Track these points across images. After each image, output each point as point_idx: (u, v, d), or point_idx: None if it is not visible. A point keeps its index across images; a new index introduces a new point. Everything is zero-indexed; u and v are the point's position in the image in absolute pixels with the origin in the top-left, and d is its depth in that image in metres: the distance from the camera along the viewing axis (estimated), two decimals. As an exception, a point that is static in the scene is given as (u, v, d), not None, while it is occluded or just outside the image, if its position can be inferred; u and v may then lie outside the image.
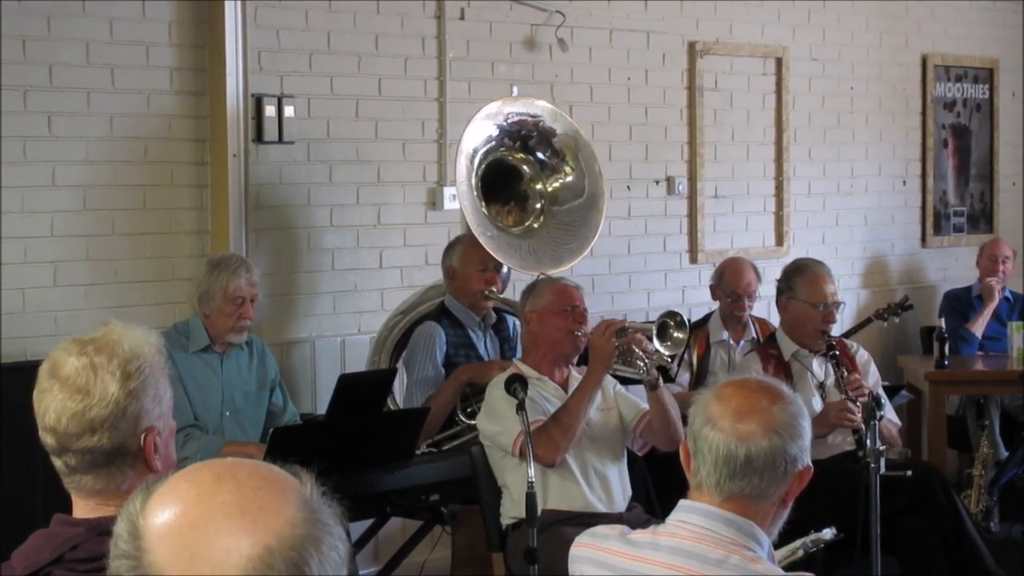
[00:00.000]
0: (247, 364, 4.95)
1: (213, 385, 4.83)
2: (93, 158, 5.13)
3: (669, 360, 4.39)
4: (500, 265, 5.22)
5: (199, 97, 5.37)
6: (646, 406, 4.47)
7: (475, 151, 5.18)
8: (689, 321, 6.04)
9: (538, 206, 5.47)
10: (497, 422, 4.39)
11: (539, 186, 5.47)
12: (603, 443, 4.49)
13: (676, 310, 4.52)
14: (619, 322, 4.37)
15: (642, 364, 4.32)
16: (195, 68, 5.35)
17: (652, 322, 4.43)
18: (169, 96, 5.30)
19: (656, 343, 4.32)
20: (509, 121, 5.33)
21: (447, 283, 5.31)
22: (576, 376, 4.58)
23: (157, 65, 5.26)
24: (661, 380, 4.39)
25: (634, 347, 4.32)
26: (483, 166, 5.23)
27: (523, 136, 5.40)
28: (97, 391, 2.10)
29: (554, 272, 5.10)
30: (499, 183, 5.36)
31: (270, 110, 5.44)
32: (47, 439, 2.13)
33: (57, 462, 2.14)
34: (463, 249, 5.24)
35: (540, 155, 5.45)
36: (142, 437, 2.13)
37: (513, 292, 5.68)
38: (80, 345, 2.14)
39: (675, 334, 4.38)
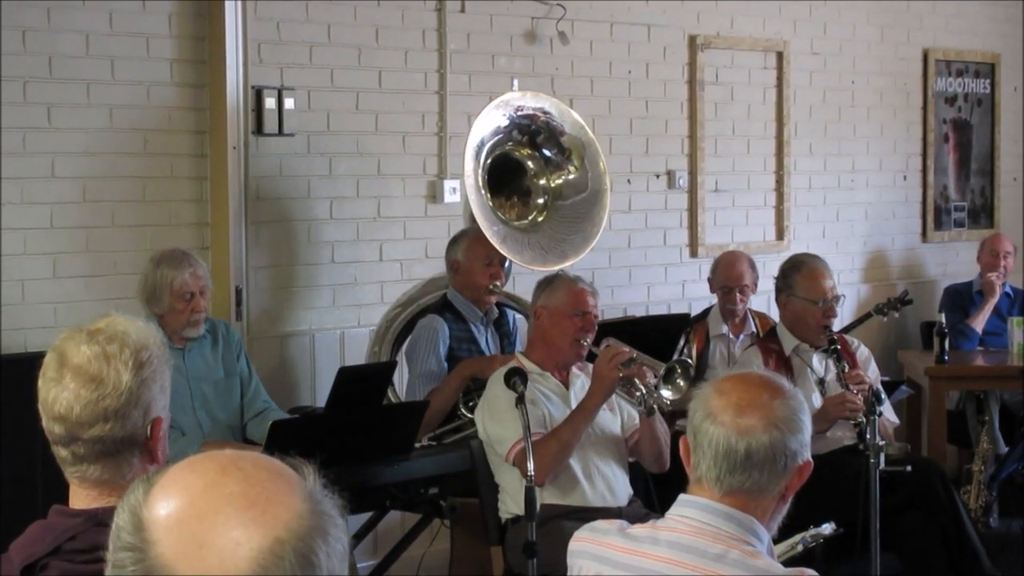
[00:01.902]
0: (211, 352, 4.90)
1: (179, 383, 4.69)
2: (93, 150, 5.12)
3: (667, 404, 4.35)
4: (505, 259, 5.19)
5: (199, 89, 5.36)
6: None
7: (483, 142, 5.14)
8: (689, 320, 6.08)
9: (540, 201, 5.46)
10: (496, 425, 4.36)
11: (543, 182, 5.45)
12: (605, 444, 4.47)
13: (689, 361, 4.50)
14: (627, 353, 4.32)
15: (640, 395, 4.30)
16: (195, 60, 5.34)
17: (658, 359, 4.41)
18: (169, 88, 5.29)
19: (660, 383, 4.30)
20: (519, 114, 5.30)
21: (451, 276, 5.28)
22: (577, 373, 4.56)
23: (157, 57, 5.25)
24: (656, 408, 4.37)
25: (636, 379, 4.30)
26: (489, 160, 5.21)
27: (532, 131, 5.37)
28: (111, 380, 2.08)
29: (559, 267, 5.08)
30: (503, 177, 5.34)
31: (270, 102, 5.43)
32: (55, 428, 2.10)
33: (63, 452, 2.11)
34: (468, 243, 5.22)
35: (546, 152, 5.42)
36: (149, 427, 2.13)
37: (513, 286, 5.68)
38: (89, 334, 2.11)
39: (679, 381, 4.31)
